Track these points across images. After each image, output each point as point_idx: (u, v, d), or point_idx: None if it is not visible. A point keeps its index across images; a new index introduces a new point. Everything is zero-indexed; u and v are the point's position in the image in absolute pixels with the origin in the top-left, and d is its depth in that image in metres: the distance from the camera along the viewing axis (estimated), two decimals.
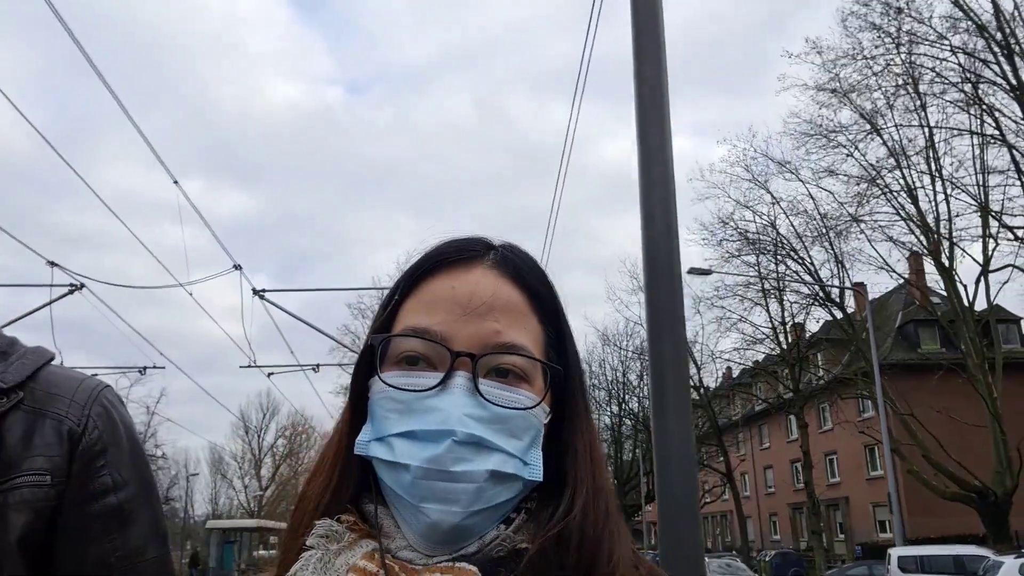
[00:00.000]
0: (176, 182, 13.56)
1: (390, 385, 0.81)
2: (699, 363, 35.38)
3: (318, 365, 22.67)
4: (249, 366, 19.90)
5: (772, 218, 29.52)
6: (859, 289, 28.01)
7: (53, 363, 1.30)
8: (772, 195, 29.21)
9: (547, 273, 0.91)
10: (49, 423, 1.20)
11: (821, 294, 28.97)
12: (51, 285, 15.60)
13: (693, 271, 24.81)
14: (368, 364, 0.86)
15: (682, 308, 4.83)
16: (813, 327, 34.79)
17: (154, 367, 24.77)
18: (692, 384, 36.47)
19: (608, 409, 39.92)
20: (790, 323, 31.58)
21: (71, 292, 15.84)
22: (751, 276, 30.17)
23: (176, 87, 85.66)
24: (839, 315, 29.12)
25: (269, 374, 22.60)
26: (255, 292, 16.18)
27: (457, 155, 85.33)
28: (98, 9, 72.92)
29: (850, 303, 29.56)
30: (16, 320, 15.43)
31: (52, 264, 15.11)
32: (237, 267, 15.74)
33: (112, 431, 1.25)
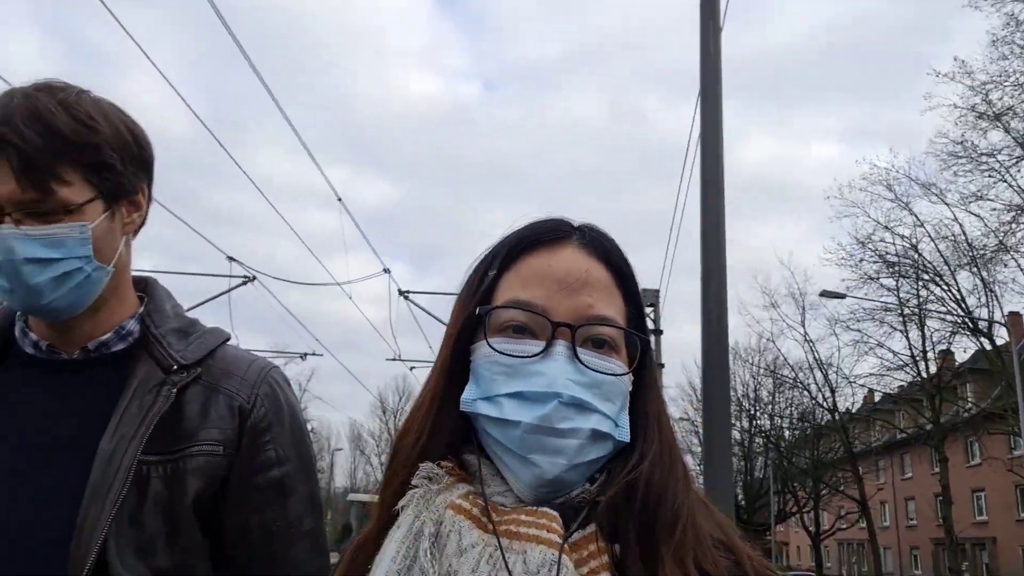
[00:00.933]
0: (334, 190, 14.97)
1: (497, 350, 0.88)
2: (834, 385, 34.39)
3: None
4: (394, 359, 21.84)
5: (915, 240, 28.42)
6: (1013, 319, 26.53)
7: (229, 343, 1.40)
8: (916, 216, 28.18)
9: (626, 254, 0.98)
10: (223, 398, 1.30)
11: (968, 323, 27.63)
12: (229, 276, 17.70)
13: (825, 294, 24.55)
14: (470, 330, 0.94)
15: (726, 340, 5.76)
16: (961, 356, 33.04)
17: (312, 354, 27.20)
18: (826, 407, 35.50)
19: (738, 424, 39.39)
20: (931, 351, 30.18)
21: (244, 283, 17.87)
22: (890, 303, 29.03)
23: (322, 79, 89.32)
24: (988, 345, 27.64)
25: (411, 367, 24.39)
26: (400, 293, 17.76)
27: (584, 153, 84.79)
28: (250, 2, 77.03)
29: (1002, 333, 28.03)
30: (198, 305, 17.73)
31: (231, 259, 17.19)
32: (386, 271, 17.60)
33: (277, 410, 1.35)
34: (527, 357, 0.87)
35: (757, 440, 41.49)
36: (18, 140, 1.15)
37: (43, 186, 1.17)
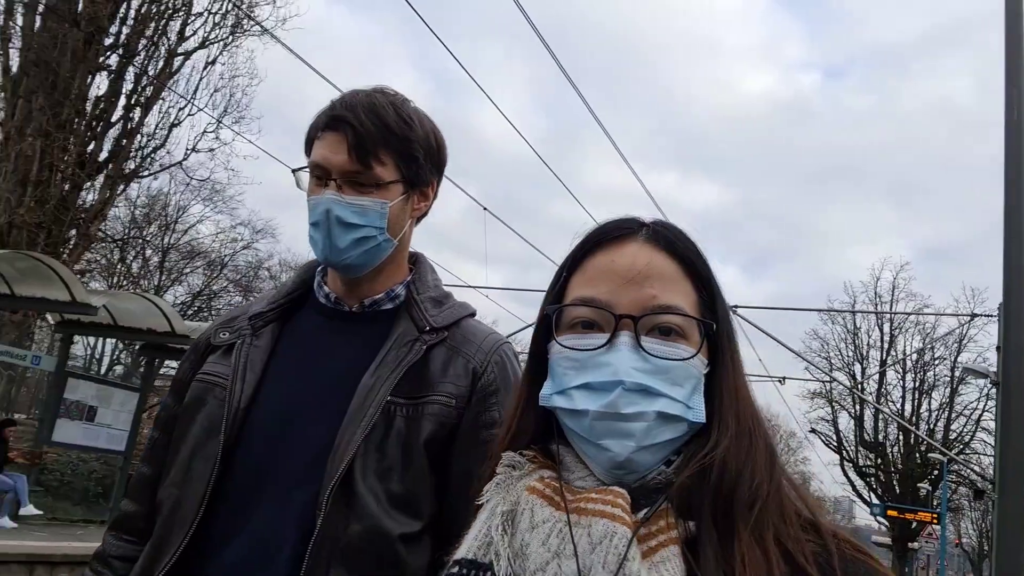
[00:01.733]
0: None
1: (565, 347, 0.94)
2: None
3: (783, 378, 23.52)
4: None
5: None
6: None
7: (473, 318, 1.63)
8: None
9: (697, 243, 1.02)
10: (461, 360, 1.51)
11: None
12: None
13: None
14: (545, 331, 1.00)
15: None
16: None
17: None
18: None
19: None
20: None
21: None
22: None
23: (653, 87, 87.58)
24: None
25: None
26: (729, 308, 17.34)
27: (945, 140, 74.27)
28: (585, 22, 78.49)
29: None
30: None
31: None
32: None
33: (504, 377, 1.53)
34: (593, 350, 0.93)
35: None
36: (356, 123, 1.47)
37: (366, 162, 1.48)
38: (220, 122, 18.60)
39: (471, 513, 0.97)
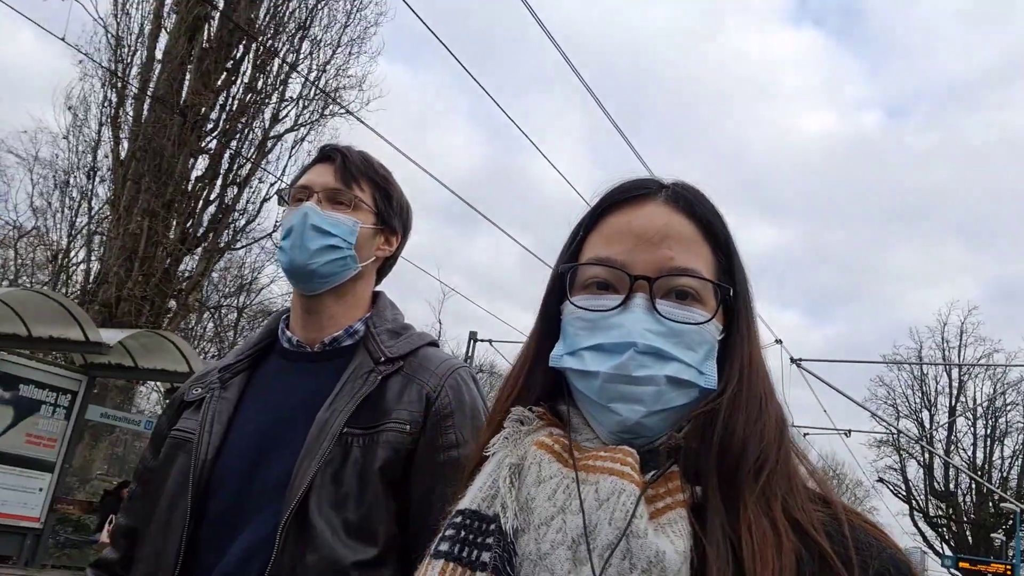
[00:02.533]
0: None
1: (579, 307, 0.93)
2: None
3: (849, 431, 23.95)
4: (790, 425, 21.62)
5: None
6: None
7: (434, 347, 1.66)
8: None
9: (718, 207, 0.99)
10: (415, 387, 1.53)
11: None
12: None
13: None
14: (559, 290, 0.98)
15: None
16: None
17: None
18: None
19: None
20: None
21: None
22: None
23: (714, 131, 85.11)
24: None
25: (804, 435, 24.08)
26: (793, 361, 17.56)
27: (1016, 174, 70.24)
28: (641, 70, 77.72)
29: None
30: None
31: None
32: (778, 341, 17.29)
33: (459, 400, 1.54)
34: (606, 311, 0.91)
35: None
36: (345, 153, 1.67)
37: (347, 182, 1.63)
38: None
39: (431, 536, 0.94)
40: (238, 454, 1.50)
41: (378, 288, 1.77)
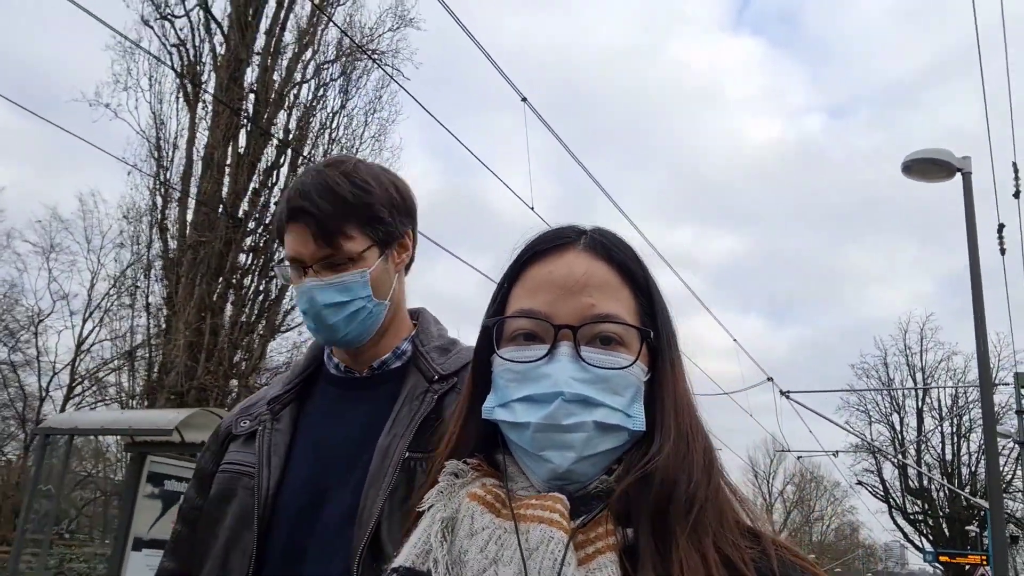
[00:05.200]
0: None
1: (506, 359, 0.96)
2: None
3: (836, 452, 25.06)
4: (781, 451, 22.69)
5: None
6: None
7: None
8: None
9: (636, 250, 1.03)
10: None
11: None
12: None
13: None
14: (488, 344, 1.00)
15: None
16: None
17: None
18: None
19: None
20: None
21: None
22: None
23: (667, 143, 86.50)
24: None
25: (798, 457, 25.68)
26: (783, 393, 18.68)
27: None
28: (594, 84, 78.24)
29: None
30: None
31: None
32: (770, 379, 18.50)
33: None
34: (533, 362, 0.94)
35: None
36: (314, 209, 1.49)
37: (334, 243, 1.51)
38: None
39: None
40: (297, 489, 1.48)
41: (415, 306, 1.74)
